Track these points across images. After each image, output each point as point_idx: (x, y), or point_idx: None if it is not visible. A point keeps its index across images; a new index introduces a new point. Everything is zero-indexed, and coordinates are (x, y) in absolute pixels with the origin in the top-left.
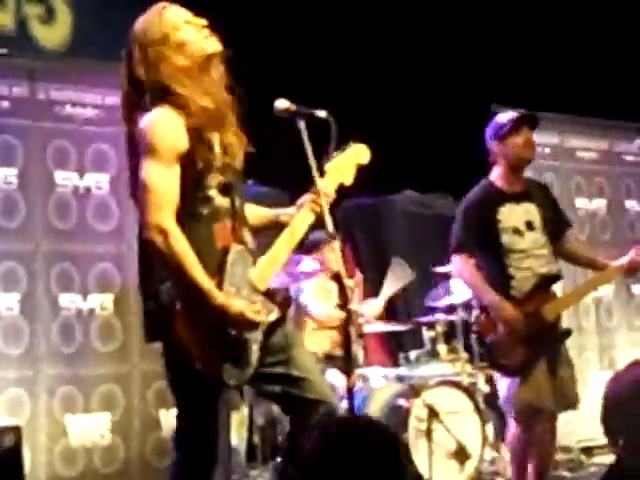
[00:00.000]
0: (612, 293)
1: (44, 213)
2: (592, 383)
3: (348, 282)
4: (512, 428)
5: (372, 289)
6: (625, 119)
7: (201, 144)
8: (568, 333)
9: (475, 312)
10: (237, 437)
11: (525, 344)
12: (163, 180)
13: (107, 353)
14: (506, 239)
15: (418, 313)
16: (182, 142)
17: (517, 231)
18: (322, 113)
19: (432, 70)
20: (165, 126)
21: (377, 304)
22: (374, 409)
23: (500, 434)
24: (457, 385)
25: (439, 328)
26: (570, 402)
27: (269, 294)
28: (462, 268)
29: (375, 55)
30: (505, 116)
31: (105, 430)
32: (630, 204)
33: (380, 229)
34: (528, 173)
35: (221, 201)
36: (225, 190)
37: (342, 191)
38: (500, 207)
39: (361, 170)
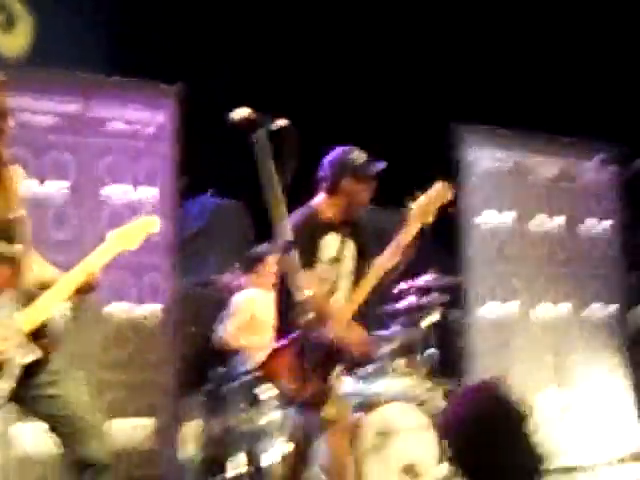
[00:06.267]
0: None
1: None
2: None
3: (306, 292)
4: None
5: None
6: (584, 136)
7: None
8: None
9: None
10: (191, 449)
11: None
12: None
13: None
14: None
15: (375, 327)
16: None
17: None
18: (282, 122)
19: (391, 87)
20: None
21: None
22: None
23: None
24: (413, 400)
25: (396, 343)
26: None
27: (37, 337)
28: None
29: (338, 72)
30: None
31: None
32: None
33: None
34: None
35: None
36: (2, 239)
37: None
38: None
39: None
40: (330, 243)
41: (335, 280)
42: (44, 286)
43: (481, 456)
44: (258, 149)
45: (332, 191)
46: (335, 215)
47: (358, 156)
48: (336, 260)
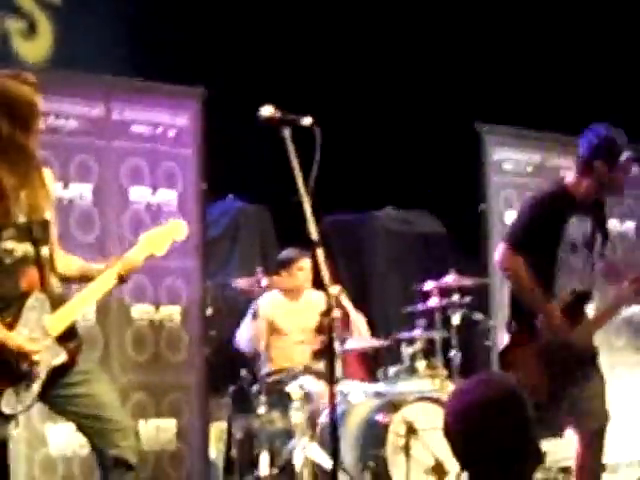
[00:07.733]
0: None
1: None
2: None
3: (332, 289)
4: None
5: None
6: None
7: None
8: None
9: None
10: (215, 450)
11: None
12: None
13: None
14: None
15: (397, 329)
16: None
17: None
18: (307, 120)
19: (415, 87)
20: None
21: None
22: (352, 424)
23: None
24: (436, 401)
25: (418, 344)
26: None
27: (65, 339)
28: (519, 266)
29: (359, 72)
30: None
31: None
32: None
33: (360, 245)
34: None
35: (25, 251)
36: (31, 241)
37: (323, 207)
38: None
39: (343, 186)
40: (579, 225)
41: (583, 267)
42: (85, 278)
43: (486, 441)
44: (288, 146)
45: (583, 171)
46: (584, 196)
47: (616, 139)
48: (587, 244)
